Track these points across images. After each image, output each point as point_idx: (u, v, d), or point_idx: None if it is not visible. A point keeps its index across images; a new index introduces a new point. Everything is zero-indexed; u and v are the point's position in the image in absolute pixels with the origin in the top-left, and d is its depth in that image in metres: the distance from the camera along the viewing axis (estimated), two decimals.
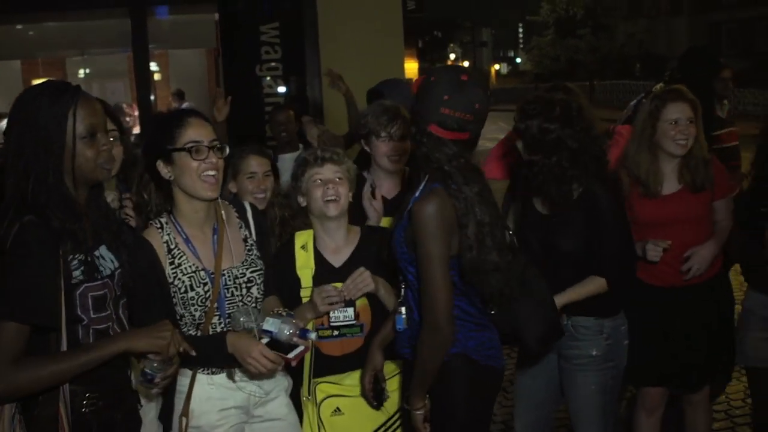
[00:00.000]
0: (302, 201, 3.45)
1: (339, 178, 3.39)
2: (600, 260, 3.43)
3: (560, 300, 3.32)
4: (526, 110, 3.42)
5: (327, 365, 3.37)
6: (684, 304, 3.78)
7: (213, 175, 2.92)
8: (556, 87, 3.86)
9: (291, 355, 2.85)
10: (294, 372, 3.29)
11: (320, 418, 3.29)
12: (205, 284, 2.94)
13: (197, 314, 2.93)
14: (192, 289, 2.92)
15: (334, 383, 3.35)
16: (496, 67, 68.73)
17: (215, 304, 2.95)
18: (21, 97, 2.49)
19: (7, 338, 2.27)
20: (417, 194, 2.89)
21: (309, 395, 3.33)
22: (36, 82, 12.08)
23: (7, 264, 2.31)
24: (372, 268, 3.29)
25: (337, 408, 3.31)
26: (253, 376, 2.99)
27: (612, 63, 42.75)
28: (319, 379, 3.35)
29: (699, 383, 3.99)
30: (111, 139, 3.20)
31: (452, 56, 61.50)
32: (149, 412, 3.04)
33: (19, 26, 9.93)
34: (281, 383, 3.19)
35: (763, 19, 31.78)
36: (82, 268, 2.44)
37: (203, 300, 2.93)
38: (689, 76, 5.04)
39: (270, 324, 2.83)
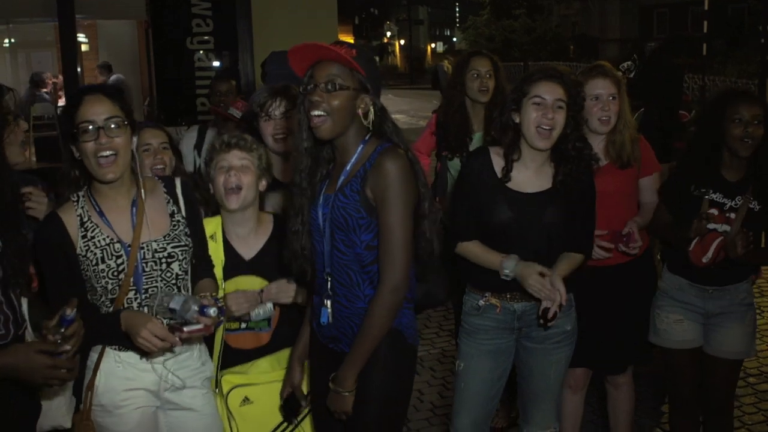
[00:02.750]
0: (211, 188, 3.34)
1: (245, 166, 3.27)
2: (579, 234, 3.44)
3: (560, 275, 3.30)
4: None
5: (236, 359, 3.31)
6: (604, 284, 3.81)
7: (108, 156, 2.78)
8: None
9: (185, 329, 2.71)
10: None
11: (229, 410, 3.21)
12: (119, 257, 2.82)
13: (110, 287, 2.82)
14: (103, 261, 2.81)
15: (239, 373, 3.27)
16: (432, 45, 68.79)
17: (131, 279, 2.83)
18: None
19: None
20: (359, 157, 2.86)
21: (216, 388, 3.23)
22: None
23: None
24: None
25: (246, 397, 3.24)
26: (153, 355, 2.87)
27: (546, 44, 43.11)
28: (225, 371, 3.27)
29: (619, 365, 4.04)
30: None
31: (388, 34, 61.40)
32: (66, 390, 2.92)
33: None
34: (200, 373, 3.07)
35: (694, 4, 32.27)
36: None
37: (115, 273, 2.82)
38: (667, 64, 5.07)
39: (175, 302, 2.75)
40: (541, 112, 3.29)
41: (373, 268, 2.84)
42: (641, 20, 40.61)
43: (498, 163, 3.41)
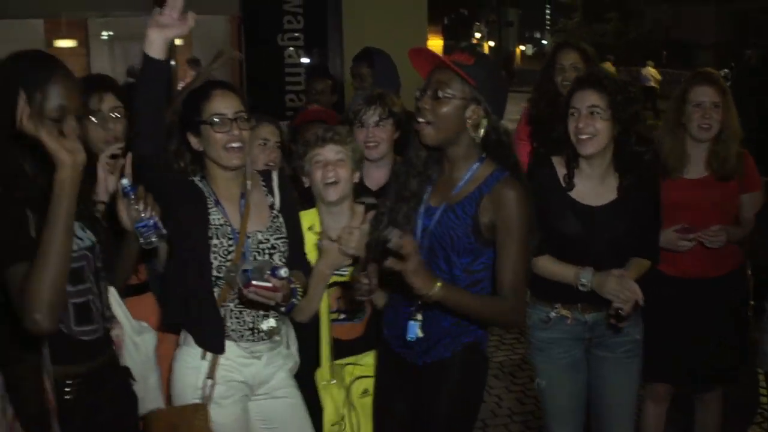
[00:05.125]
0: (306, 182, 3.41)
1: (341, 160, 3.32)
2: (646, 242, 3.40)
3: (631, 276, 3.26)
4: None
5: (339, 349, 3.37)
6: (694, 298, 3.72)
7: (237, 147, 2.99)
8: None
9: (253, 283, 2.82)
10: (304, 356, 3.31)
11: (351, 401, 3.28)
12: (229, 238, 3.01)
13: (215, 264, 3.00)
14: (217, 237, 2.99)
15: (356, 364, 3.34)
16: (522, 47, 68.23)
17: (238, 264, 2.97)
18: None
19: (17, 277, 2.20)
20: (473, 176, 2.87)
21: (332, 379, 3.29)
22: (58, 42, 12.06)
23: None
24: None
25: (366, 389, 3.31)
26: (253, 349, 3.08)
27: (638, 48, 42.32)
28: (341, 361, 3.33)
29: (706, 383, 3.94)
30: (117, 116, 3.22)
31: (477, 35, 61.10)
32: (150, 378, 3.02)
33: None
34: (288, 362, 3.21)
35: None
36: None
37: (225, 252, 2.99)
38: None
39: (248, 263, 2.89)
40: (576, 120, 3.25)
41: (466, 289, 2.81)
42: (737, 26, 39.48)
43: (561, 173, 3.36)
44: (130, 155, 2.77)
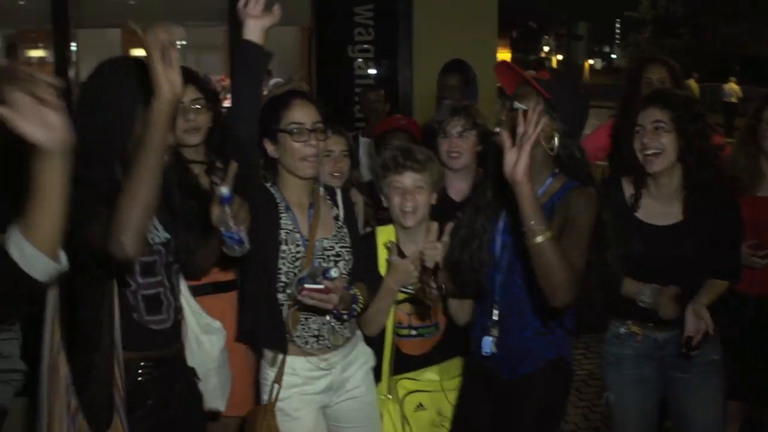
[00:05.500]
0: (384, 201, 3.46)
1: (419, 187, 3.34)
2: (722, 262, 3.35)
3: (704, 303, 3.21)
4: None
5: (405, 364, 3.39)
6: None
7: (313, 156, 3.05)
8: None
9: (305, 285, 2.88)
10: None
11: (404, 415, 3.30)
12: (297, 244, 3.06)
13: (284, 269, 3.05)
14: (286, 244, 3.05)
15: (413, 379, 3.37)
16: (590, 62, 67.61)
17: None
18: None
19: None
20: (546, 189, 2.91)
21: (389, 393, 3.33)
22: (134, 51, 12.32)
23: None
24: None
25: (420, 404, 3.33)
26: (326, 363, 3.13)
27: (710, 64, 41.65)
28: (398, 377, 3.36)
29: None
30: (197, 107, 3.29)
31: (546, 48, 60.81)
32: (210, 380, 3.08)
33: None
34: (364, 365, 3.26)
35: None
36: None
37: (293, 258, 3.05)
38: None
39: (304, 272, 2.95)
40: (641, 137, 3.23)
41: (547, 303, 2.80)
42: None
43: (628, 192, 3.34)
44: (234, 164, 2.79)
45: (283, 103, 3.09)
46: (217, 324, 3.07)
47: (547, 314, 2.88)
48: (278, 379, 3.07)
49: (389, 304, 3.30)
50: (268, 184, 3.17)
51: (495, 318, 2.95)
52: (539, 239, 2.56)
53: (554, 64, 60.66)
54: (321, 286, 2.88)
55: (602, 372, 3.58)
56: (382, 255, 3.39)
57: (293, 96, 3.14)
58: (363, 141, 5.82)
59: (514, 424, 2.95)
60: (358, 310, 3.11)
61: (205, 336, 3.02)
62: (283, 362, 3.09)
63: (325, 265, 3.02)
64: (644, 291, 3.27)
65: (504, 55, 21.44)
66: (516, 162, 2.52)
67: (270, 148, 3.11)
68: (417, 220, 3.35)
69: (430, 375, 3.39)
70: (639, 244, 3.30)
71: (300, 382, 3.10)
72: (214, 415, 3.13)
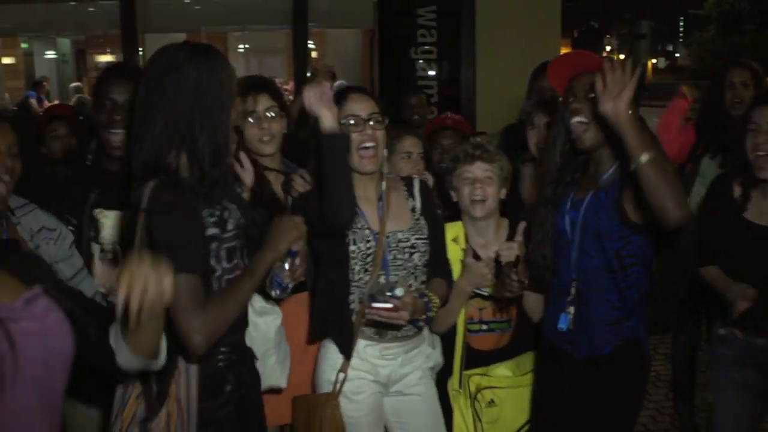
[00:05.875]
0: (453, 196, 3.49)
1: (488, 177, 3.39)
2: None
3: None
4: None
5: (476, 359, 3.41)
6: None
7: (370, 147, 3.07)
8: None
9: (373, 305, 2.90)
10: (443, 365, 3.37)
11: (476, 410, 3.33)
12: (368, 242, 3.08)
13: (356, 268, 3.07)
14: (355, 243, 3.07)
15: (484, 375, 3.38)
16: (654, 60, 66.63)
17: (379, 265, 3.07)
18: None
19: (189, 288, 2.30)
20: (616, 168, 2.90)
21: (460, 388, 3.37)
22: None
23: (152, 222, 2.35)
24: None
25: (492, 400, 3.35)
26: (388, 352, 3.15)
27: None
28: (470, 372, 3.38)
29: None
30: (272, 115, 3.33)
31: (608, 48, 60.08)
32: (269, 358, 3.13)
33: (186, 1, 10.31)
34: (426, 362, 3.25)
35: None
36: (214, 220, 2.49)
37: (364, 256, 3.07)
38: None
39: (371, 287, 2.96)
40: (754, 138, 3.18)
41: (620, 275, 2.86)
42: None
43: (737, 192, 3.30)
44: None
45: (340, 97, 3.11)
46: (272, 305, 3.12)
47: (623, 290, 2.88)
48: (344, 368, 3.11)
49: (461, 305, 3.33)
50: None
51: (572, 295, 2.96)
52: (644, 159, 2.54)
53: None
54: (389, 305, 2.89)
55: (708, 371, 3.51)
56: (451, 250, 3.41)
57: (349, 90, 3.21)
58: None
59: (591, 408, 2.94)
60: (432, 315, 3.12)
61: (260, 318, 3.09)
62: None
63: (391, 281, 3.02)
64: (732, 289, 3.21)
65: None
66: (619, 96, 2.52)
67: None
68: (486, 211, 3.39)
69: (502, 371, 3.41)
70: (746, 245, 3.26)
71: (362, 366, 3.13)
72: (276, 393, 3.19)
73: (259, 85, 3.43)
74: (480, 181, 3.39)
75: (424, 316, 3.06)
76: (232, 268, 2.57)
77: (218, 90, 2.45)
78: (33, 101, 13.62)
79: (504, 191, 3.46)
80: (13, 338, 1.90)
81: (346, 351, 3.11)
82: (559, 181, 3.05)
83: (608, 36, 63.43)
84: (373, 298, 2.91)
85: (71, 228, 2.96)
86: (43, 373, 1.98)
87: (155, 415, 2.46)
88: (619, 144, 2.70)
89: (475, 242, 3.46)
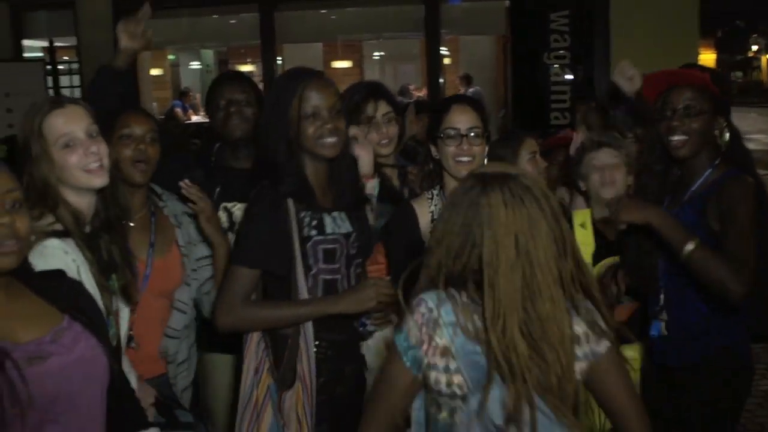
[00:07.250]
0: (582, 186, 3.57)
1: (615, 163, 3.45)
2: None
3: None
4: None
5: None
6: None
7: (466, 161, 3.07)
8: None
9: None
10: None
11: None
12: None
13: None
14: None
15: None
16: None
17: None
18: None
19: (241, 280, 2.62)
20: (706, 179, 2.94)
21: None
22: (335, 63, 12.73)
23: (243, 220, 2.73)
24: None
25: None
26: None
27: None
28: None
29: None
30: (389, 120, 3.48)
31: (754, 48, 57.72)
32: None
33: (323, 11, 10.56)
34: None
35: None
36: (313, 223, 2.70)
37: None
38: None
39: None
40: None
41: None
42: None
43: None
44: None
45: (443, 108, 3.18)
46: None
47: (714, 297, 2.84)
48: None
49: None
50: (435, 191, 3.21)
51: (662, 303, 3.00)
52: (689, 248, 2.69)
53: (764, 63, 57.48)
54: None
55: None
56: (579, 235, 3.41)
57: (455, 101, 3.26)
58: None
59: (684, 419, 2.93)
60: None
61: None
62: None
63: None
64: None
65: (707, 55, 20.63)
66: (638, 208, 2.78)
67: (433, 150, 3.18)
68: (616, 194, 3.39)
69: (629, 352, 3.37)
70: None
71: None
72: None
73: (376, 92, 3.58)
74: (608, 168, 3.45)
75: None
76: (332, 270, 2.75)
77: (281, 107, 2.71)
78: (179, 110, 14.27)
79: (631, 177, 3.49)
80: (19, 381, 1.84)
81: None
82: (660, 190, 3.12)
83: (754, 35, 60.94)
84: None
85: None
86: (82, 400, 2.03)
87: (288, 389, 2.67)
88: (711, 151, 2.86)
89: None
